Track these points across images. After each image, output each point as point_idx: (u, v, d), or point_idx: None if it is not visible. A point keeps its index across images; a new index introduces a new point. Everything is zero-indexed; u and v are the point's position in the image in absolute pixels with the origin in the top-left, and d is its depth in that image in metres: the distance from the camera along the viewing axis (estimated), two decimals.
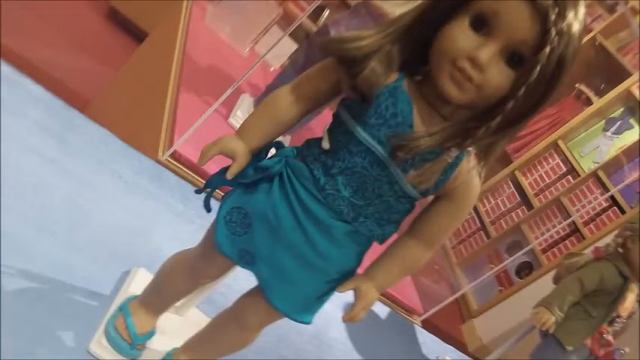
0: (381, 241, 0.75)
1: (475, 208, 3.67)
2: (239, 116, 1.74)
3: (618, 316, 2.00)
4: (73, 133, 1.16)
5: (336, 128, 0.71)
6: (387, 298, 1.88)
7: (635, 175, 2.87)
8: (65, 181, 1.07)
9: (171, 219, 1.23)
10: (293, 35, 2.15)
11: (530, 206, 3.46)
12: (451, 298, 2.08)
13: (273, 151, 0.76)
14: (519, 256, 2.86)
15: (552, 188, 3.43)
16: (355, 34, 0.66)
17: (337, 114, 0.71)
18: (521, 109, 0.62)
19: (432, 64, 0.65)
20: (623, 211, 3.05)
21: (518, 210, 3.52)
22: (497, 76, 0.62)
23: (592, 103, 3.51)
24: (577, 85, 3.62)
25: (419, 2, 0.66)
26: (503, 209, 3.59)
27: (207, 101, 1.66)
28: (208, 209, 0.78)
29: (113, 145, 1.23)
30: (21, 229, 0.92)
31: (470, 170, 0.69)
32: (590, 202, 3.14)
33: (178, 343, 0.91)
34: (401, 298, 1.92)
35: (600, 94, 3.52)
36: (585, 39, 3.37)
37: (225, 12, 2.10)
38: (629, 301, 1.98)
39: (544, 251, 3.26)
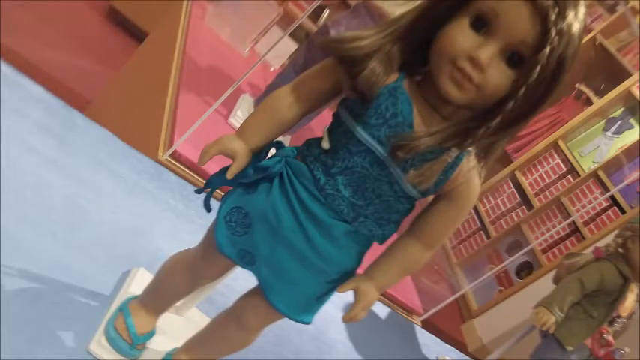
0: (381, 241, 0.75)
1: (475, 208, 3.67)
2: (239, 116, 1.74)
3: (618, 316, 2.00)
4: (73, 133, 1.16)
5: (336, 128, 0.71)
6: (387, 298, 1.88)
7: (635, 175, 2.87)
8: (65, 181, 1.07)
9: (171, 219, 1.23)
10: (293, 35, 2.15)
11: (530, 206, 3.46)
12: (451, 298, 2.08)
13: (273, 151, 0.76)
14: (519, 256, 2.86)
15: (552, 188, 3.43)
16: (355, 34, 0.66)
17: (337, 114, 0.71)
18: (521, 109, 0.62)
19: (432, 64, 0.65)
20: (623, 211, 3.05)
21: (518, 210, 3.52)
22: (497, 76, 0.62)
23: (592, 103, 3.51)
24: (577, 85, 3.62)
25: (419, 2, 0.66)
26: (503, 209, 3.59)
27: (207, 101, 1.66)
28: (208, 209, 0.78)
29: (113, 145, 1.23)
30: (21, 229, 0.92)
31: (470, 170, 0.69)
32: (590, 202, 3.14)
33: (178, 343, 0.91)
34: (401, 298, 1.92)
35: (600, 94, 3.52)
36: (585, 39, 3.37)
37: (225, 12, 2.10)
38: (629, 301, 1.98)
39: (544, 251, 3.26)
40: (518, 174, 3.60)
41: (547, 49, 0.58)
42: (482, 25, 0.61)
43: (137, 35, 2.68)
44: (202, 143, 0.75)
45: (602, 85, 3.55)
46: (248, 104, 1.80)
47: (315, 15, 2.35)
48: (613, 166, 3.23)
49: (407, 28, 0.66)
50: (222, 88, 1.40)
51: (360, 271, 0.78)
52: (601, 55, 3.53)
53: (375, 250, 0.77)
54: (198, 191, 0.79)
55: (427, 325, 1.98)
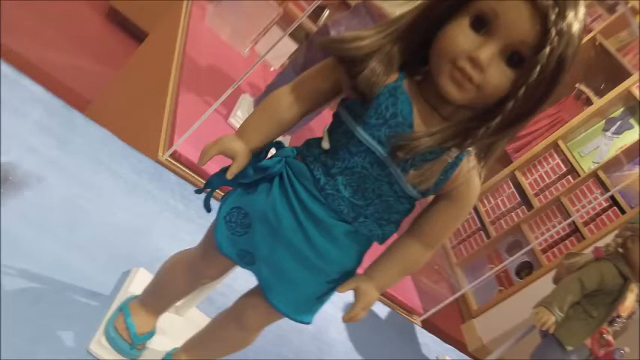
0: (381, 241, 0.75)
1: (475, 208, 3.67)
2: (239, 116, 1.74)
3: (618, 316, 2.00)
4: (73, 133, 1.16)
5: (336, 128, 0.71)
6: (387, 298, 1.88)
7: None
8: (65, 181, 1.07)
9: (171, 219, 1.23)
10: (293, 35, 2.15)
11: (530, 206, 3.46)
12: (451, 298, 2.08)
13: (273, 151, 0.76)
14: (519, 256, 2.86)
15: (552, 188, 3.43)
16: (355, 34, 0.66)
17: (337, 114, 0.71)
18: (521, 109, 0.62)
19: (432, 64, 0.65)
20: (623, 211, 3.05)
21: (518, 210, 3.52)
22: (497, 76, 0.62)
23: (592, 103, 3.51)
24: (577, 85, 3.62)
25: (419, 2, 0.66)
26: (503, 209, 3.60)
27: (207, 101, 1.66)
28: (208, 209, 0.78)
29: (113, 145, 1.23)
30: (21, 229, 0.92)
31: (470, 170, 0.68)
32: (590, 202, 3.15)
33: (178, 343, 0.91)
34: (401, 298, 1.92)
35: (600, 94, 3.52)
36: (585, 39, 3.37)
37: (225, 12, 2.10)
38: (629, 301, 1.98)
39: (544, 251, 3.26)
40: (518, 174, 3.60)
41: (547, 49, 0.58)
42: (482, 25, 0.61)
43: (137, 35, 2.68)
44: (202, 143, 0.75)
45: (602, 85, 3.55)
46: (248, 104, 1.80)
47: (315, 15, 2.35)
48: (613, 166, 3.23)
49: (407, 28, 0.66)
50: (222, 88, 1.40)
51: (360, 271, 0.78)
52: (601, 55, 3.53)
53: (375, 250, 0.77)
54: (198, 191, 0.79)
55: (427, 325, 1.98)
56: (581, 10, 0.60)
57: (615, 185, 2.91)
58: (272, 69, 2.22)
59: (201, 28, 2.03)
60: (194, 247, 0.85)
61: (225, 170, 0.74)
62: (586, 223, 3.15)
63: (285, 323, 0.81)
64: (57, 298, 0.88)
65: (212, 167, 0.83)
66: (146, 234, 1.13)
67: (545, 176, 3.50)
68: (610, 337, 2.00)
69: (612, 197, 3.04)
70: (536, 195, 3.48)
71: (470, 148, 0.67)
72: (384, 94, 0.67)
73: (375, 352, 1.50)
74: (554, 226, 3.25)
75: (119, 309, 0.90)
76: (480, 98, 0.63)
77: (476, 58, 0.61)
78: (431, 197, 0.73)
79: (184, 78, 1.68)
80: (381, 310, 1.72)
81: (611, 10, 3.69)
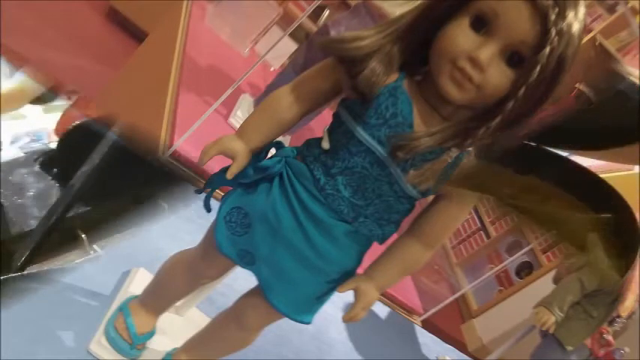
0: (381, 241, 0.75)
1: (475, 208, 3.66)
2: (239, 116, 1.73)
3: (618, 316, 2.00)
4: None
5: (336, 128, 0.71)
6: (387, 298, 1.88)
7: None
8: None
9: (171, 219, 1.23)
10: (293, 35, 2.15)
11: None
12: (451, 298, 2.08)
13: (273, 151, 0.76)
14: (519, 256, 2.86)
15: None
16: (355, 34, 0.66)
17: (337, 114, 0.71)
18: (521, 109, 0.62)
19: (432, 64, 0.65)
20: None
21: None
22: (497, 76, 0.62)
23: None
24: (577, 85, 3.62)
25: (419, 2, 0.66)
26: None
27: (207, 101, 1.66)
28: (208, 209, 0.79)
29: None
30: None
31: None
32: None
33: (178, 343, 0.91)
34: (401, 298, 1.92)
35: None
36: (585, 39, 3.36)
37: (225, 12, 2.10)
38: (629, 301, 1.98)
39: (544, 251, 3.26)
40: None
41: (547, 49, 0.59)
42: (482, 25, 0.61)
43: (137, 35, 2.67)
44: (202, 143, 0.75)
45: None
46: (248, 104, 1.79)
47: (315, 15, 2.34)
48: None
49: (407, 28, 0.66)
50: (222, 88, 1.40)
51: (360, 271, 0.78)
52: (601, 55, 3.53)
53: (375, 250, 0.77)
54: (199, 191, 0.79)
55: (427, 325, 1.98)
56: (581, 10, 0.60)
57: None
58: (272, 69, 2.22)
59: (201, 28, 2.02)
60: (194, 247, 0.85)
61: (225, 170, 0.74)
62: None
63: (285, 323, 0.81)
64: (57, 298, 0.88)
65: (212, 167, 0.83)
66: (146, 234, 1.13)
67: None
68: (610, 337, 2.00)
69: None
70: None
71: (470, 148, 0.67)
72: (384, 94, 0.67)
73: (375, 352, 1.50)
74: None
75: (119, 309, 0.90)
76: (480, 98, 0.63)
77: (476, 58, 0.61)
78: (431, 197, 0.73)
79: (184, 78, 1.68)
80: (381, 310, 1.72)
81: (611, 10, 3.68)
